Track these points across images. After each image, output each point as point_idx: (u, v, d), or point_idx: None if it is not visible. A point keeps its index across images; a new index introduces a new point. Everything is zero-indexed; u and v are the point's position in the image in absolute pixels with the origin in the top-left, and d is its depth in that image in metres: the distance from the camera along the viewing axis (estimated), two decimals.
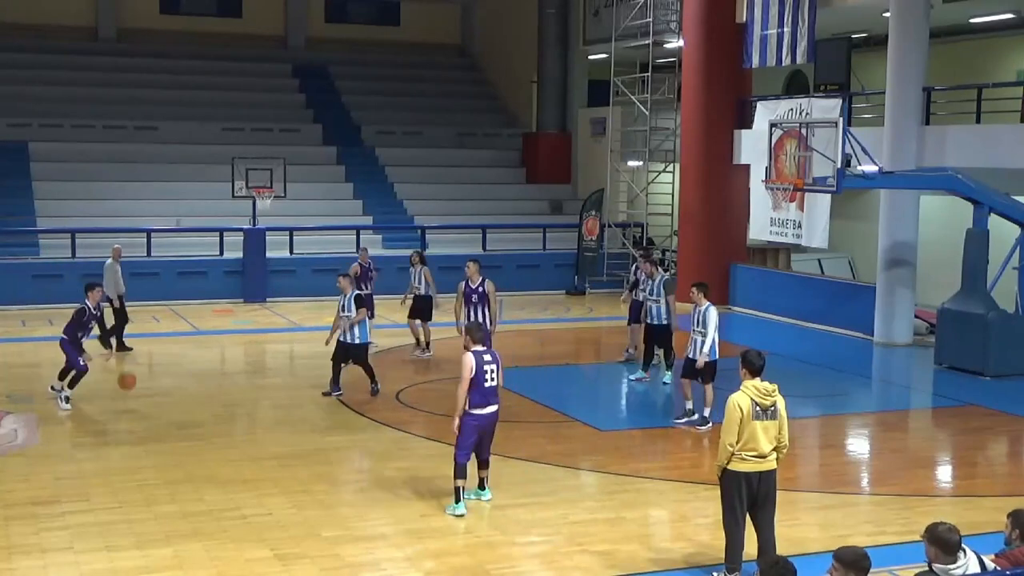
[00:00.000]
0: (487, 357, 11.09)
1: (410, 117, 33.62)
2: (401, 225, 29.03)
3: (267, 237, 25.87)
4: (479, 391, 10.97)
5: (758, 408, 9.12)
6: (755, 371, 9.29)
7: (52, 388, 15.61)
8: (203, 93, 32.19)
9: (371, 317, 19.55)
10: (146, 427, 14.55)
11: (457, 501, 11.14)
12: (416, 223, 28.89)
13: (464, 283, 17.09)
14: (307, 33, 36.18)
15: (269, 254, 25.91)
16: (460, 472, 11.14)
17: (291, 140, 31.01)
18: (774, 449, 9.22)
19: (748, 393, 9.16)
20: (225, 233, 26.02)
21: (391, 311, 23.52)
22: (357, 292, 16.46)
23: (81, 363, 15.27)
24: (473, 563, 9.93)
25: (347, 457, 13.48)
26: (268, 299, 25.49)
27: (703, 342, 14.44)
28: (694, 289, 14.70)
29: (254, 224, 25.84)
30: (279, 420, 15.16)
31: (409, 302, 19.62)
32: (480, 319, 16.25)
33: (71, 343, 15.44)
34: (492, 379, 11.05)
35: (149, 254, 25.31)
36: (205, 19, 35.01)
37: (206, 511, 11.14)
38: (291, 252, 26.57)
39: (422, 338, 19.29)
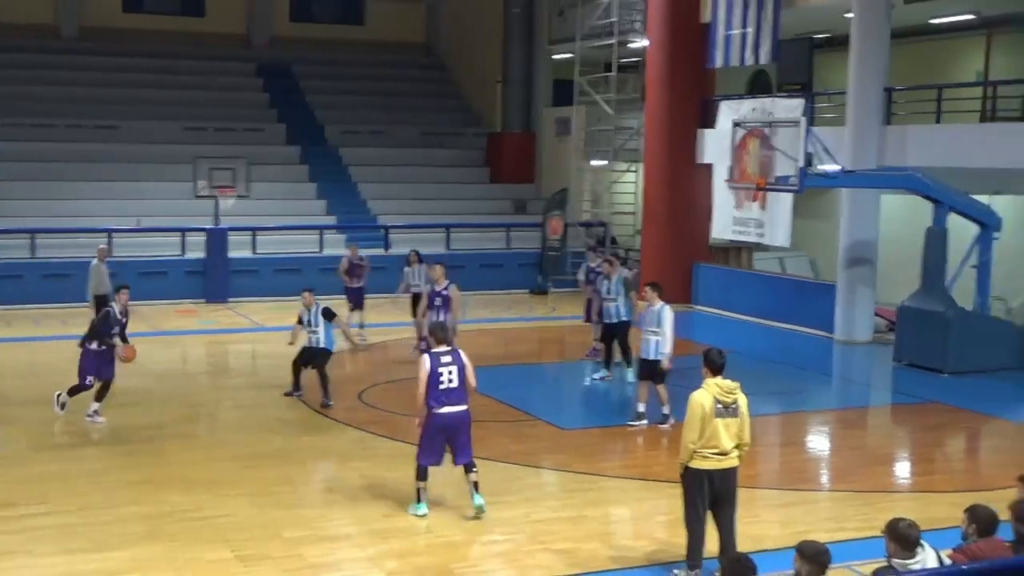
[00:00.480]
0: (445, 359, 10.88)
1: (374, 116, 33.53)
2: (365, 225, 28.95)
3: (229, 237, 25.74)
4: (434, 392, 10.80)
5: (720, 406, 9.16)
6: (716, 369, 9.34)
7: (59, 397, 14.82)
8: (165, 92, 31.94)
9: (359, 309, 20.21)
10: (107, 428, 14.43)
11: (418, 502, 11.09)
12: (380, 223, 28.82)
13: (430, 285, 17.06)
14: (271, 32, 35.98)
15: (231, 254, 25.78)
16: (421, 474, 11.05)
17: (254, 139, 30.85)
18: (736, 447, 9.27)
19: (710, 391, 9.20)
20: (187, 233, 25.86)
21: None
22: (325, 307, 15.90)
23: (87, 382, 14.53)
24: (436, 563, 9.92)
25: (309, 457, 13.43)
26: (230, 299, 25.35)
27: (659, 342, 14.37)
28: (648, 289, 14.66)
29: (216, 224, 25.71)
30: (241, 421, 15.10)
31: (403, 299, 19.98)
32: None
33: (88, 356, 14.59)
34: (450, 380, 10.80)
35: (110, 254, 25.06)
36: (168, 18, 34.72)
37: (167, 512, 11.07)
38: (254, 252, 26.45)
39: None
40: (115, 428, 14.44)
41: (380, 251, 27.62)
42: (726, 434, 9.18)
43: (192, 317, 23.59)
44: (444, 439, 10.99)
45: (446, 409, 10.84)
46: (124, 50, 33.12)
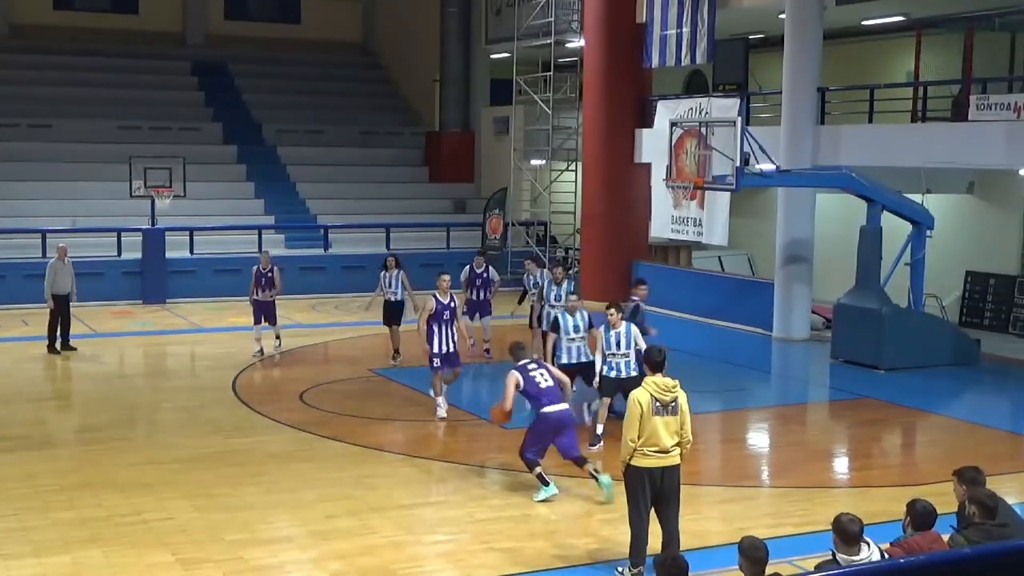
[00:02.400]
0: (531, 367, 11.76)
1: (312, 116, 33.35)
2: (303, 224, 28.80)
3: (166, 237, 25.47)
4: (538, 395, 11.55)
5: (658, 404, 9.21)
6: (655, 367, 9.41)
7: None
8: (99, 91, 31.53)
9: (271, 324, 19.00)
10: (42, 432, 14.23)
11: (545, 484, 11.58)
12: (319, 222, 28.67)
13: (434, 298, 15.03)
14: (206, 30, 35.63)
15: (169, 254, 25.50)
16: (532, 465, 11.63)
17: (190, 139, 30.52)
18: (677, 444, 9.33)
19: (648, 389, 9.26)
20: (123, 233, 25.54)
21: (295, 311, 23.34)
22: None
23: None
24: (379, 563, 9.90)
25: (251, 459, 13.30)
26: (168, 300, 25.08)
27: (629, 363, 13.48)
28: (613, 311, 13.57)
29: (153, 224, 25.42)
30: (181, 423, 14.94)
31: (376, 305, 19.00)
32: (453, 338, 14.88)
33: None
34: (545, 381, 11.66)
35: (44, 255, 24.64)
36: (100, 15, 34.28)
37: (105, 516, 10.94)
38: (191, 252, 26.19)
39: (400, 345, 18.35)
40: (51, 431, 14.24)
41: (319, 251, 27.51)
42: (666, 432, 9.23)
43: (128, 318, 23.30)
44: (552, 437, 11.62)
45: (551, 408, 11.52)
46: (56, 48, 32.66)
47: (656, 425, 9.20)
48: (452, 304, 15.05)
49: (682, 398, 9.34)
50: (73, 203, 27.05)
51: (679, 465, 9.42)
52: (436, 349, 14.80)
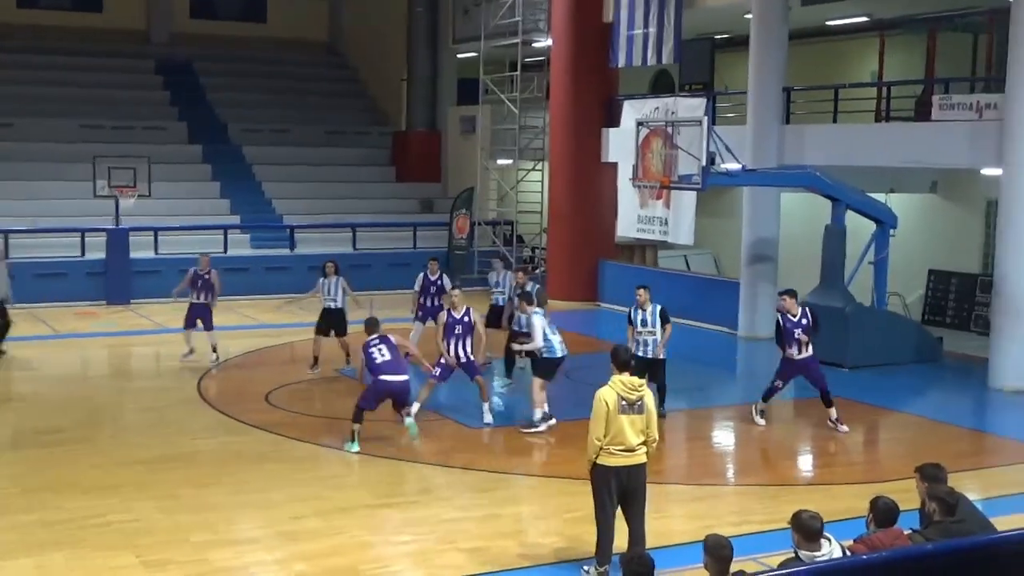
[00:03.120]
0: (374, 342, 13.41)
1: (278, 115, 33.20)
2: (269, 224, 28.67)
3: (131, 237, 25.27)
4: (375, 368, 13.21)
5: (624, 402, 9.23)
6: (622, 366, 9.43)
7: None
8: (62, 89, 31.24)
9: (208, 329, 18.35)
10: (3, 435, 14.10)
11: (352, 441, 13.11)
12: (285, 222, 28.56)
13: (447, 312, 14.88)
14: (171, 28, 35.39)
15: (133, 255, 25.31)
16: (357, 415, 13.32)
17: (155, 138, 30.31)
18: (643, 443, 9.35)
19: (614, 388, 9.28)
20: (86, 234, 25.32)
21: (260, 311, 23.27)
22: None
23: None
24: (345, 564, 9.88)
25: (216, 460, 13.22)
26: (132, 301, 24.89)
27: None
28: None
29: (117, 224, 25.23)
30: (145, 424, 14.84)
31: (306, 308, 18.62)
32: (465, 351, 14.72)
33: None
34: (382, 355, 13.23)
35: (6, 255, 24.44)
36: (63, 13, 34.01)
37: (68, 519, 10.85)
38: (156, 252, 26.00)
39: (320, 355, 17.85)
40: (12, 433, 14.11)
41: (285, 251, 27.40)
42: (631, 430, 9.25)
43: (92, 319, 23.12)
44: (384, 398, 13.47)
45: (388, 377, 13.28)
46: (19, 46, 32.31)
47: (622, 424, 9.22)
48: (466, 318, 14.73)
49: (648, 397, 9.37)
50: (36, 203, 26.81)
51: (645, 464, 9.45)
52: (442, 360, 14.63)
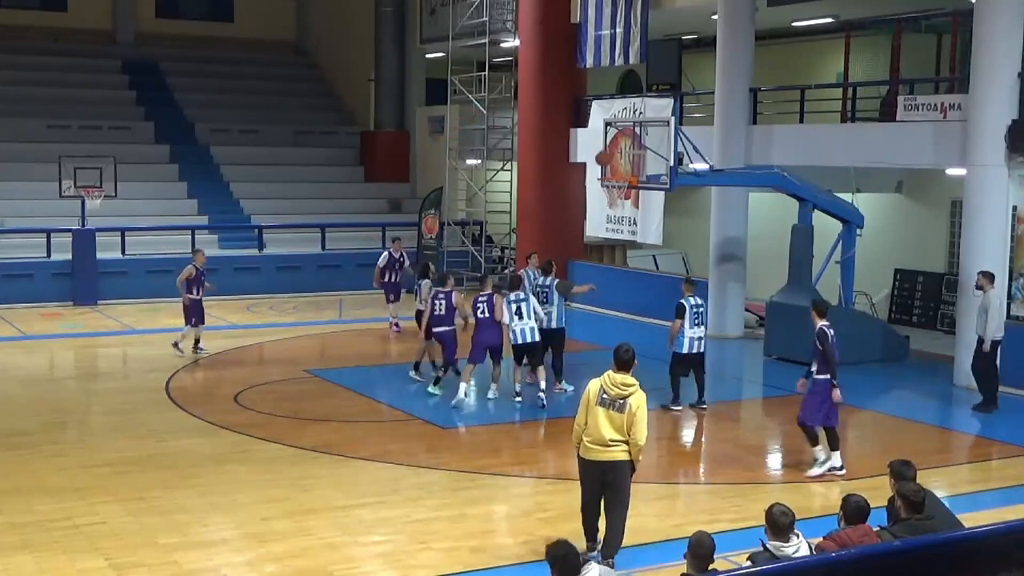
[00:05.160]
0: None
1: (245, 115, 33.06)
2: (237, 224, 28.54)
3: (97, 238, 25.08)
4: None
5: (605, 395, 9.44)
6: (619, 364, 9.62)
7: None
8: (27, 89, 30.97)
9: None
10: None
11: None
12: (253, 223, 28.43)
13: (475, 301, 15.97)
14: (137, 28, 35.17)
15: (100, 255, 25.12)
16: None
17: (121, 138, 30.10)
18: (621, 441, 9.44)
19: (601, 380, 9.53)
20: (52, 234, 25.12)
21: (229, 312, 23.19)
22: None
23: None
24: (315, 565, 9.86)
25: (184, 462, 13.15)
26: (99, 301, 24.73)
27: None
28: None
29: (83, 224, 25.04)
30: (113, 426, 14.75)
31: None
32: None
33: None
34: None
35: None
36: (28, 12, 33.74)
37: (35, 522, 10.77)
38: (123, 253, 25.84)
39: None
40: None
41: (254, 251, 27.29)
42: (607, 425, 9.39)
43: (58, 320, 22.94)
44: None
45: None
46: None
47: (598, 415, 9.42)
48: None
49: (635, 401, 9.43)
50: (0, 203, 26.56)
51: (624, 462, 9.52)
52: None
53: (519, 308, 15.49)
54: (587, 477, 9.62)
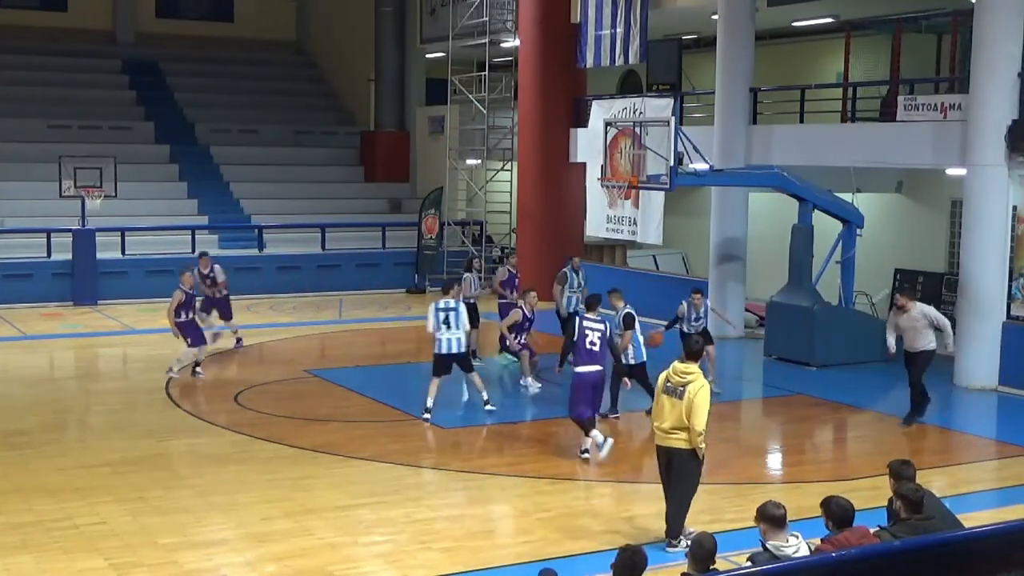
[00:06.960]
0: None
1: (245, 115, 33.05)
2: (238, 225, 28.54)
3: (97, 238, 25.08)
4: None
5: (668, 384, 9.91)
6: (687, 354, 10.11)
7: None
8: (27, 89, 30.96)
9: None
10: None
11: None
12: (253, 223, 28.43)
13: (521, 311, 16.84)
14: (137, 28, 35.18)
15: (100, 255, 25.12)
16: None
17: (121, 138, 30.11)
18: (680, 429, 9.80)
19: (669, 370, 10.00)
20: (52, 234, 25.12)
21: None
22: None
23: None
24: (316, 565, 9.86)
25: (184, 462, 13.18)
26: (99, 301, 24.73)
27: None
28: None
29: (83, 224, 25.04)
30: (113, 426, 14.75)
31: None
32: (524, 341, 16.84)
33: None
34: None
35: None
36: (28, 12, 33.74)
37: (35, 522, 10.78)
38: (123, 253, 25.84)
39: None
40: None
41: (254, 251, 27.29)
42: (669, 411, 9.87)
43: (59, 320, 22.94)
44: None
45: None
46: None
47: (663, 402, 9.93)
48: (532, 316, 16.97)
49: (694, 388, 9.79)
50: (1, 203, 26.57)
51: (685, 450, 9.87)
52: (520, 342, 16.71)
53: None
54: (659, 460, 10.15)
